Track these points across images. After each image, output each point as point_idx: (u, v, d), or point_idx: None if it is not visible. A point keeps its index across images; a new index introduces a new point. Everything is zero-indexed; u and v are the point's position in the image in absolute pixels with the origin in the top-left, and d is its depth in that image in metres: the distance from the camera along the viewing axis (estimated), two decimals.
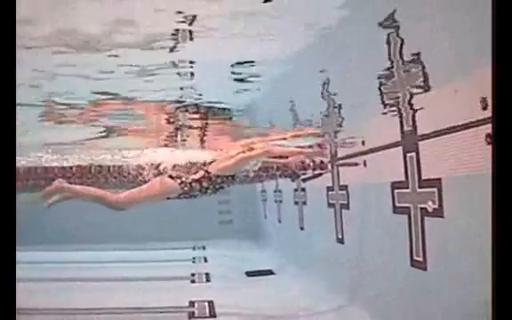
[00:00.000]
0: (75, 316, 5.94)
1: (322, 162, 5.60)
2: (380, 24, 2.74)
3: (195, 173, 4.51)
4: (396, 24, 2.68)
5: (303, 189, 8.60)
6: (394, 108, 4.53)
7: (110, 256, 10.42)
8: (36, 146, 5.67)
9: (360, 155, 5.74)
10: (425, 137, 4.28)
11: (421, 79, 3.64)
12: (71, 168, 6.34)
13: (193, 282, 8.16)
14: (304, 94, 4.55)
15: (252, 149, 4.50)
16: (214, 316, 5.86)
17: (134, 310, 6.06)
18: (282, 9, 2.23)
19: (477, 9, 1.93)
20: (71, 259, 10.13)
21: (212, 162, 4.52)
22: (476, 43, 2.34)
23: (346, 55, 3.07)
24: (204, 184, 4.47)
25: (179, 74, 3.98)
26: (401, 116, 4.62)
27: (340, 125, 5.46)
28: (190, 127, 5.62)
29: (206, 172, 4.47)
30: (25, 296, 5.13)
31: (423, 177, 4.34)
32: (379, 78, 3.62)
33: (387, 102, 4.47)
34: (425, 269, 4.33)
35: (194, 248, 11.88)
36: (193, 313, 6.02)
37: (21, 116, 3.94)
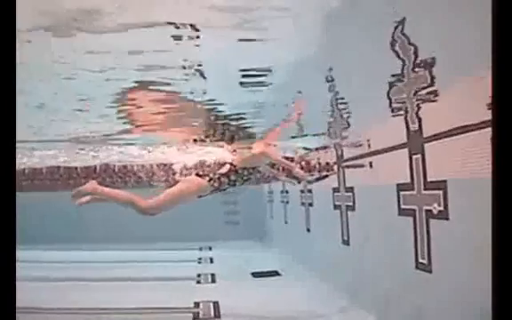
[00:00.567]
0: (78, 315, 5.96)
1: (327, 163, 5.60)
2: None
3: (220, 168, 4.61)
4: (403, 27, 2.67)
5: (310, 191, 8.59)
6: (400, 110, 4.50)
7: (115, 256, 10.46)
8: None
9: (366, 156, 5.73)
10: (431, 138, 4.26)
11: (428, 81, 3.61)
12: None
13: (198, 282, 8.17)
14: (309, 94, 4.54)
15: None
16: (219, 317, 5.85)
17: (138, 310, 6.07)
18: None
19: (481, 10, 1.91)
20: (75, 258, 10.19)
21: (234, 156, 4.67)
22: (482, 43, 2.32)
23: (351, 55, 3.05)
24: (232, 177, 4.56)
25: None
26: (407, 118, 4.60)
27: (346, 127, 5.44)
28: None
29: (232, 165, 4.56)
30: (26, 295, 5.16)
31: (428, 179, 4.32)
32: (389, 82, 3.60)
33: (393, 104, 4.45)
34: (430, 272, 4.31)
35: (200, 249, 11.90)
36: (198, 313, 6.02)
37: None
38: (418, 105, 4.22)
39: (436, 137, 4.14)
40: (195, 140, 5.61)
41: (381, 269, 5.37)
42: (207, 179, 4.55)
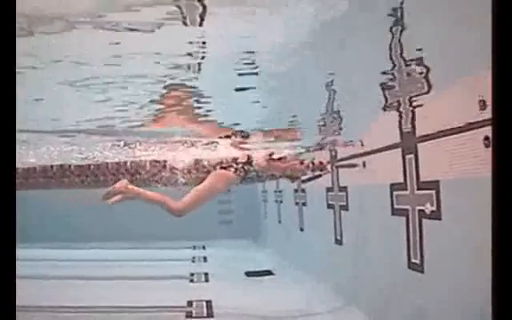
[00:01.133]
0: (71, 313, 5.95)
1: (321, 163, 5.62)
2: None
3: (238, 160, 4.75)
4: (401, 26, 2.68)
5: (303, 190, 8.62)
6: (394, 109, 4.52)
7: (109, 254, 10.44)
8: None
9: (359, 156, 5.76)
10: (424, 138, 4.29)
11: (422, 80, 3.63)
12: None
13: (192, 281, 8.18)
14: (303, 93, 4.56)
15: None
16: (212, 316, 5.87)
17: (132, 309, 6.08)
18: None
19: (477, 9, 1.93)
20: (70, 257, 10.16)
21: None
22: (475, 44, 2.34)
23: (346, 53, 3.06)
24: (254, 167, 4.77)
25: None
26: (400, 117, 4.62)
27: (340, 126, 5.45)
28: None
29: (248, 156, 4.64)
30: (24, 293, 5.14)
31: (421, 179, 4.35)
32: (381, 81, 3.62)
33: (387, 103, 4.47)
34: (422, 272, 4.35)
35: (194, 247, 11.90)
36: (190, 312, 6.04)
37: None
38: (411, 105, 4.24)
39: (429, 137, 4.18)
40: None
41: (374, 269, 5.41)
42: (232, 170, 4.61)
